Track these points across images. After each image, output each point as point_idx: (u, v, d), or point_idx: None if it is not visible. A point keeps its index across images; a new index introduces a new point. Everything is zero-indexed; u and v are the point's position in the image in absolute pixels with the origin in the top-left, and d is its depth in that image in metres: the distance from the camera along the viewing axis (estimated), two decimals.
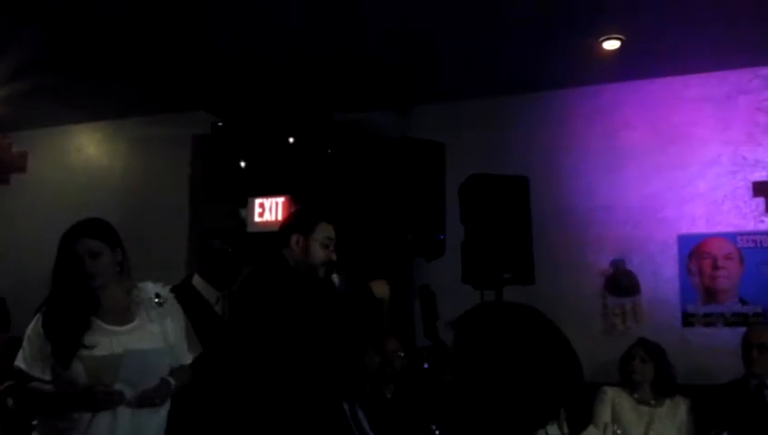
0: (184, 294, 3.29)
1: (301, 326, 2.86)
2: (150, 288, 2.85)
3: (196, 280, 3.54)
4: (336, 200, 4.78)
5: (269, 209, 5.21)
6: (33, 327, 2.73)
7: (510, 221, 4.39)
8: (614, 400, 3.96)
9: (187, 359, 2.91)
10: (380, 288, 3.03)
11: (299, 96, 5.28)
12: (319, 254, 3.08)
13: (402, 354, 4.15)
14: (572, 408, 1.53)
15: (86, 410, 2.61)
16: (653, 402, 3.97)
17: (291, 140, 5.29)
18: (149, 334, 2.77)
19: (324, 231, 3.12)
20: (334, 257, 3.13)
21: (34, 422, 2.78)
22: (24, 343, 2.75)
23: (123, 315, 2.77)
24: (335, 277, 3.09)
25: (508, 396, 1.49)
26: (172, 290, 3.08)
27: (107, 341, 2.68)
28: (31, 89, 5.23)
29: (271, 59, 4.77)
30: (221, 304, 3.51)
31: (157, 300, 2.82)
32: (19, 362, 2.72)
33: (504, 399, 1.50)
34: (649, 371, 3.99)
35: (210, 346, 3.02)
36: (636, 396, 3.98)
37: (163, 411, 2.81)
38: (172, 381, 2.75)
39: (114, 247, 2.78)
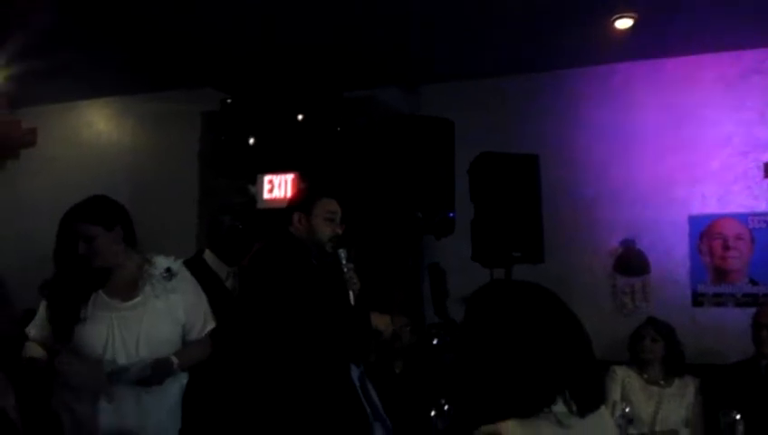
0: (195, 269, 3.30)
1: (307, 299, 2.87)
2: (162, 262, 2.85)
3: (208, 255, 3.55)
4: (345, 178, 4.76)
5: (278, 186, 5.21)
6: (42, 306, 2.80)
7: (520, 200, 4.38)
8: (624, 379, 3.97)
9: (200, 334, 2.91)
10: (382, 322, 3.02)
11: (308, 73, 5.26)
12: (323, 229, 3.09)
13: (409, 329, 4.15)
14: (582, 386, 1.52)
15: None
16: (662, 382, 3.97)
17: (300, 117, 5.27)
18: (152, 310, 2.77)
19: (325, 206, 3.13)
20: (340, 231, 3.13)
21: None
22: (35, 318, 2.80)
23: (130, 290, 2.78)
24: (342, 252, 3.08)
25: (516, 373, 1.50)
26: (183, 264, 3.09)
27: (106, 315, 2.71)
28: (41, 65, 5.22)
29: (280, 36, 4.74)
30: (231, 279, 3.52)
31: (166, 275, 2.82)
32: (29, 328, 2.80)
33: (512, 375, 1.50)
34: (659, 350, 3.99)
35: (221, 321, 3.02)
36: (645, 376, 3.98)
37: (174, 389, 2.82)
38: (174, 360, 2.74)
39: (112, 227, 2.77)
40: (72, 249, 2.71)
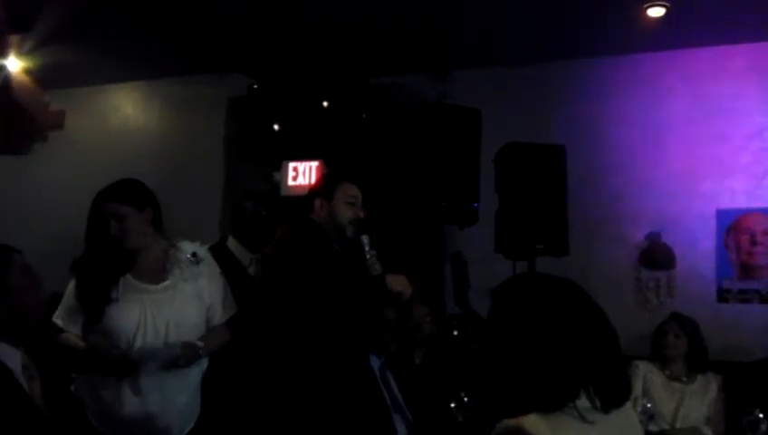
0: (218, 255, 3.31)
1: (328, 285, 2.88)
2: (188, 247, 2.89)
3: (231, 242, 3.56)
4: (369, 165, 4.76)
5: (302, 173, 5.21)
6: (70, 284, 2.82)
7: (545, 191, 4.34)
8: (646, 375, 3.94)
9: (222, 319, 2.93)
10: (399, 283, 3.01)
11: (334, 60, 5.24)
12: (344, 213, 3.11)
13: (429, 319, 4.15)
14: (607, 381, 1.51)
15: (103, 373, 2.67)
16: (685, 379, 3.94)
17: (325, 103, 5.27)
18: (182, 294, 2.81)
19: (346, 190, 3.15)
20: (362, 214, 3.15)
21: (74, 375, 2.84)
22: (63, 300, 2.82)
23: (158, 274, 2.81)
24: (365, 238, 3.08)
25: (540, 366, 1.48)
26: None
27: (138, 297, 2.74)
28: (70, 48, 5.26)
29: (307, 22, 4.73)
30: (254, 266, 3.53)
31: (193, 259, 2.85)
32: (56, 317, 2.79)
33: (536, 369, 1.48)
34: (683, 346, 3.95)
35: (243, 307, 3.04)
36: (667, 372, 3.95)
37: (195, 374, 2.85)
38: (199, 344, 2.77)
39: (143, 208, 2.81)
40: (104, 229, 2.75)
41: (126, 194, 2.80)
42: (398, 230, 4.74)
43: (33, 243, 3.20)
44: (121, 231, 2.75)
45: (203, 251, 2.93)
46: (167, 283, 2.80)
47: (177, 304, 2.78)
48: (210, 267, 2.93)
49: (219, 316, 2.93)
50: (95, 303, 2.70)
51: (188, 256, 2.86)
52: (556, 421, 1.44)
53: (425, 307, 4.20)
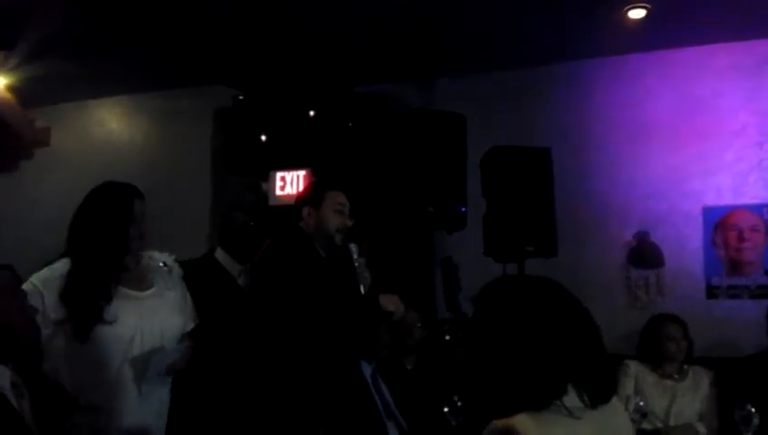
0: (207, 267, 3.31)
1: (315, 294, 2.87)
2: (159, 257, 2.86)
3: (219, 253, 3.55)
4: (357, 173, 4.76)
5: (290, 183, 5.21)
6: (50, 285, 2.61)
7: (532, 193, 4.36)
8: (637, 374, 3.93)
9: (188, 328, 2.87)
10: (391, 302, 3.01)
11: (319, 69, 5.25)
12: (332, 220, 3.12)
13: (420, 325, 4.14)
14: (592, 377, 1.52)
15: None
16: (677, 376, 3.94)
17: (311, 112, 5.27)
18: (166, 302, 2.78)
19: (334, 198, 3.16)
20: (350, 223, 3.15)
21: None
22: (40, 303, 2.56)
23: (142, 281, 2.77)
24: (353, 246, 3.09)
25: (524, 366, 1.50)
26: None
27: (132, 305, 2.66)
28: (53, 65, 5.25)
29: (291, 31, 4.74)
30: (243, 277, 3.52)
31: (166, 268, 2.83)
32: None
33: (521, 368, 1.50)
34: (685, 349, 3.95)
35: (233, 319, 3.03)
36: (660, 371, 3.95)
37: (169, 384, 2.80)
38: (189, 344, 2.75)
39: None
40: (126, 228, 2.68)
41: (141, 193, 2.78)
42: (387, 237, 4.75)
43: (21, 260, 3.18)
44: (138, 231, 2.71)
45: (171, 261, 2.91)
46: (153, 290, 2.77)
47: (164, 311, 2.76)
48: (179, 277, 2.91)
49: (188, 326, 2.88)
50: (87, 320, 2.57)
51: (161, 264, 2.84)
52: (544, 419, 1.45)
53: (416, 313, 4.20)
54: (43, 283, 2.60)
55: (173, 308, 2.80)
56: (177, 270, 2.91)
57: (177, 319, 2.81)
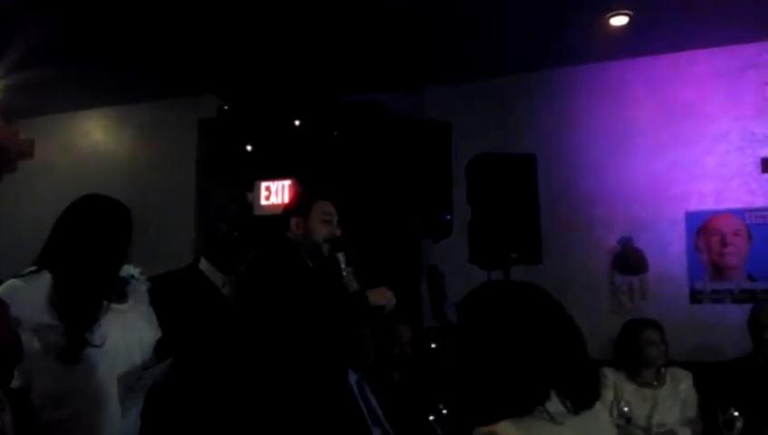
0: (190, 278, 3.29)
1: (302, 303, 2.87)
2: (126, 268, 2.79)
3: (203, 264, 3.53)
4: (343, 182, 4.77)
5: (275, 192, 5.21)
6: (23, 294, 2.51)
7: (517, 200, 4.36)
8: (615, 383, 3.88)
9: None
10: (381, 296, 3.00)
11: (305, 78, 5.26)
12: (320, 230, 3.13)
13: (410, 343, 4.14)
14: (574, 382, 1.53)
15: None
16: (655, 383, 3.91)
17: (297, 122, 5.27)
18: (140, 314, 2.74)
19: (322, 208, 3.17)
20: (338, 232, 3.16)
21: None
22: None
23: (120, 293, 2.71)
24: (341, 255, 3.10)
25: (506, 372, 1.51)
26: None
27: (116, 319, 2.60)
28: (37, 76, 5.23)
29: (276, 41, 4.75)
30: (228, 287, 3.51)
31: (135, 281, 2.81)
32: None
33: (503, 375, 1.51)
34: (664, 353, 3.94)
35: (217, 329, 3.02)
36: (638, 380, 3.91)
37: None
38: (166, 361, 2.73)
39: None
40: (126, 246, 2.66)
41: None
42: (373, 246, 4.75)
43: (5, 271, 3.16)
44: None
45: (137, 273, 2.84)
46: (129, 302, 2.72)
47: (140, 324, 2.72)
48: (146, 291, 2.84)
49: (157, 338, 2.82)
50: (78, 343, 2.48)
51: (130, 276, 2.80)
52: (527, 425, 1.46)
53: (408, 328, 4.18)
54: (14, 291, 2.50)
55: (149, 321, 2.77)
56: (144, 283, 2.85)
57: (151, 332, 2.76)
